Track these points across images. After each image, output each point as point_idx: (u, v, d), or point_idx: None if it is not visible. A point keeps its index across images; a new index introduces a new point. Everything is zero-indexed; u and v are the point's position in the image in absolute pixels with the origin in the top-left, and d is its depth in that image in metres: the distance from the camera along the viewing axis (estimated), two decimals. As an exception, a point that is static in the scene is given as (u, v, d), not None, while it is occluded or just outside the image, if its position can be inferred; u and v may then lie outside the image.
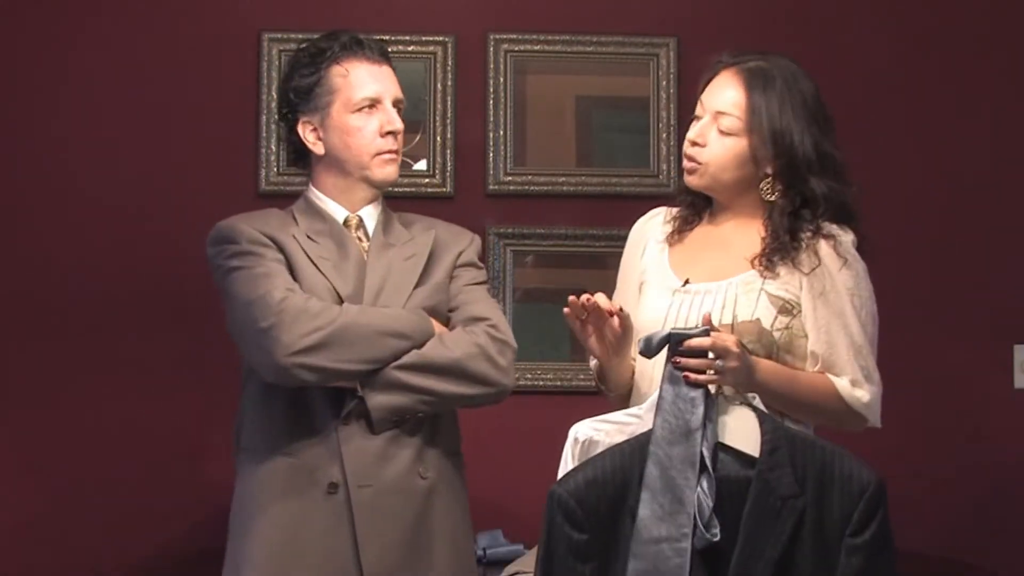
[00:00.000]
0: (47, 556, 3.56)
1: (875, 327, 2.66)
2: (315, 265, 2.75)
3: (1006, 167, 3.79)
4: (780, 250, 2.64)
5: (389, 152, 2.80)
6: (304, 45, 2.88)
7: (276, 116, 3.62)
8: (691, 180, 2.74)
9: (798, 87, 2.70)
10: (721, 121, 2.69)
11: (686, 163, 2.74)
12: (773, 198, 2.68)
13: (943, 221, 3.75)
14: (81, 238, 3.63)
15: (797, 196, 2.66)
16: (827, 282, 2.63)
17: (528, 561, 3.18)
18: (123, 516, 3.56)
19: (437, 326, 2.75)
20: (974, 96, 3.80)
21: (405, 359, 2.68)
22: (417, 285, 2.78)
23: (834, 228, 2.66)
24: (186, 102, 3.68)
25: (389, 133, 2.79)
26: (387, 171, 2.81)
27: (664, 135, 3.74)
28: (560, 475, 2.47)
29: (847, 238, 2.66)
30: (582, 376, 3.70)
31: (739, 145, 2.68)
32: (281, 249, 2.75)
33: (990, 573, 3.63)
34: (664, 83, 3.75)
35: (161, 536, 3.54)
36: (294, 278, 2.72)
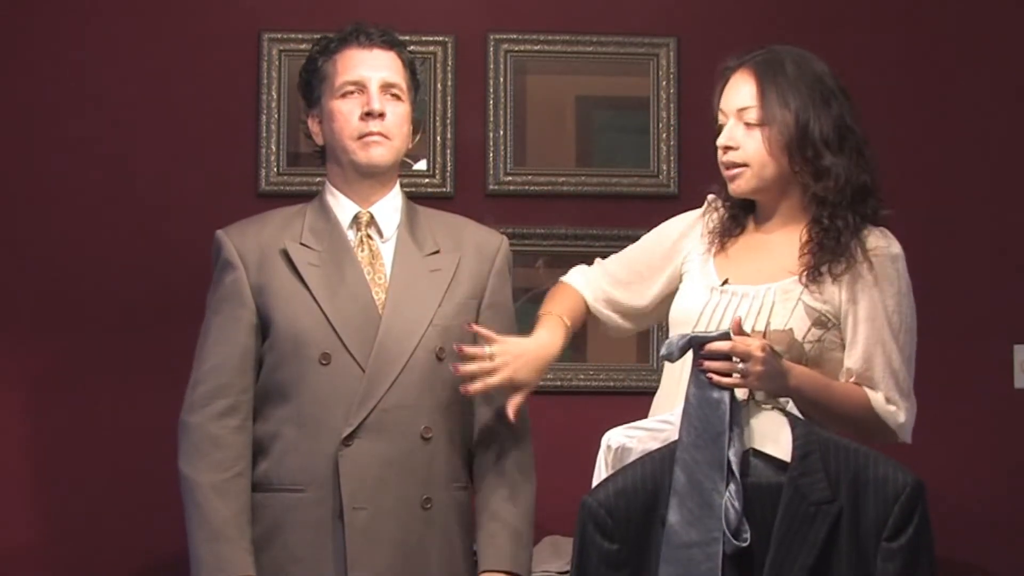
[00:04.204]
0: (53, 555, 3.56)
1: (913, 345, 2.65)
2: (300, 278, 2.73)
3: (1006, 166, 3.80)
4: (823, 260, 2.60)
5: (370, 134, 2.75)
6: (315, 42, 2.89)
7: (276, 116, 3.66)
8: (738, 187, 2.68)
9: (810, 67, 2.68)
10: (744, 116, 2.66)
11: (727, 172, 2.68)
12: (810, 183, 2.63)
13: (943, 220, 3.75)
14: (80, 238, 3.63)
15: (825, 178, 2.62)
16: (866, 301, 2.60)
17: (528, 561, 3.18)
18: (129, 515, 3.56)
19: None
20: (974, 96, 3.80)
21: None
22: (440, 303, 2.75)
23: (877, 240, 2.63)
24: (186, 102, 3.67)
25: (368, 114, 2.75)
26: (370, 153, 2.76)
27: (664, 135, 3.73)
28: (594, 483, 2.48)
29: (893, 251, 2.64)
30: (582, 376, 3.71)
31: (768, 135, 2.64)
32: (262, 266, 2.74)
33: (990, 573, 3.63)
34: (664, 83, 3.75)
35: (167, 537, 3.53)
36: (270, 304, 2.72)
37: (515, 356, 2.68)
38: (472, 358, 2.65)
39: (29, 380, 3.61)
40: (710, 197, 2.80)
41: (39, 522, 3.57)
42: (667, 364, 2.63)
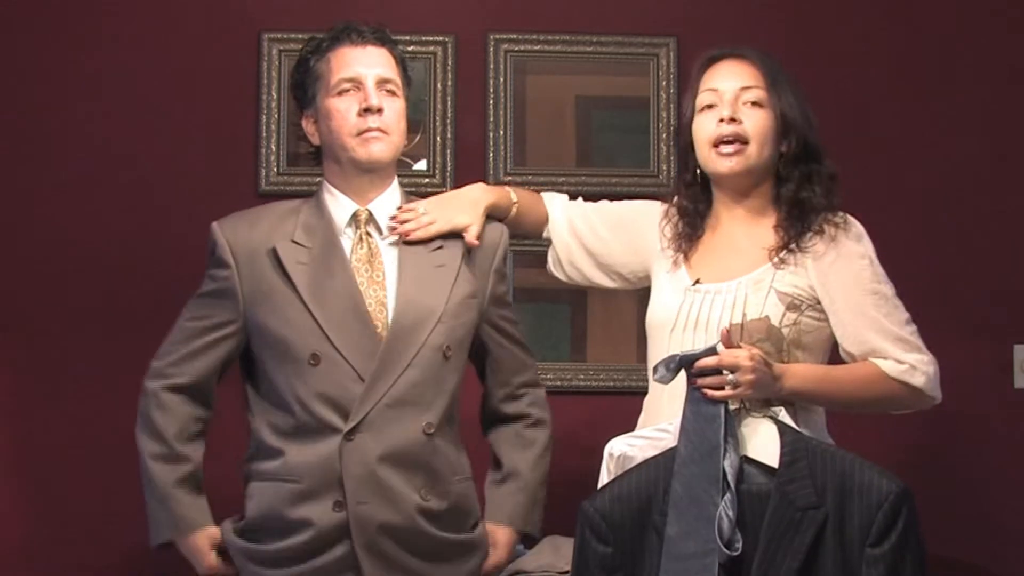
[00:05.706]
0: (51, 555, 3.56)
1: (901, 307, 2.69)
2: (288, 278, 2.73)
3: (1006, 165, 3.80)
4: (792, 242, 2.65)
5: (369, 130, 2.76)
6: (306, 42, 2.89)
7: (276, 116, 3.67)
8: (736, 164, 2.71)
9: (786, 71, 2.77)
10: (747, 95, 2.70)
11: (728, 147, 2.70)
12: (786, 173, 2.71)
13: (942, 220, 3.76)
14: (80, 237, 3.63)
15: (805, 173, 2.69)
16: (840, 289, 2.65)
17: (528, 561, 3.19)
18: (128, 515, 3.55)
19: None
20: (974, 95, 3.80)
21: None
22: (447, 299, 2.77)
23: (837, 227, 2.68)
24: (186, 102, 3.67)
25: (366, 111, 2.76)
26: (370, 149, 2.77)
27: (664, 135, 3.74)
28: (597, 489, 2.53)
29: (854, 230, 2.68)
30: (582, 376, 3.71)
31: (770, 117, 2.70)
32: (253, 264, 2.75)
33: (990, 573, 3.63)
34: (664, 83, 3.75)
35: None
36: (258, 303, 2.74)
37: (448, 201, 2.87)
38: (406, 220, 2.80)
39: (27, 379, 3.61)
40: (666, 207, 2.85)
41: (36, 522, 3.57)
42: (649, 378, 2.68)
